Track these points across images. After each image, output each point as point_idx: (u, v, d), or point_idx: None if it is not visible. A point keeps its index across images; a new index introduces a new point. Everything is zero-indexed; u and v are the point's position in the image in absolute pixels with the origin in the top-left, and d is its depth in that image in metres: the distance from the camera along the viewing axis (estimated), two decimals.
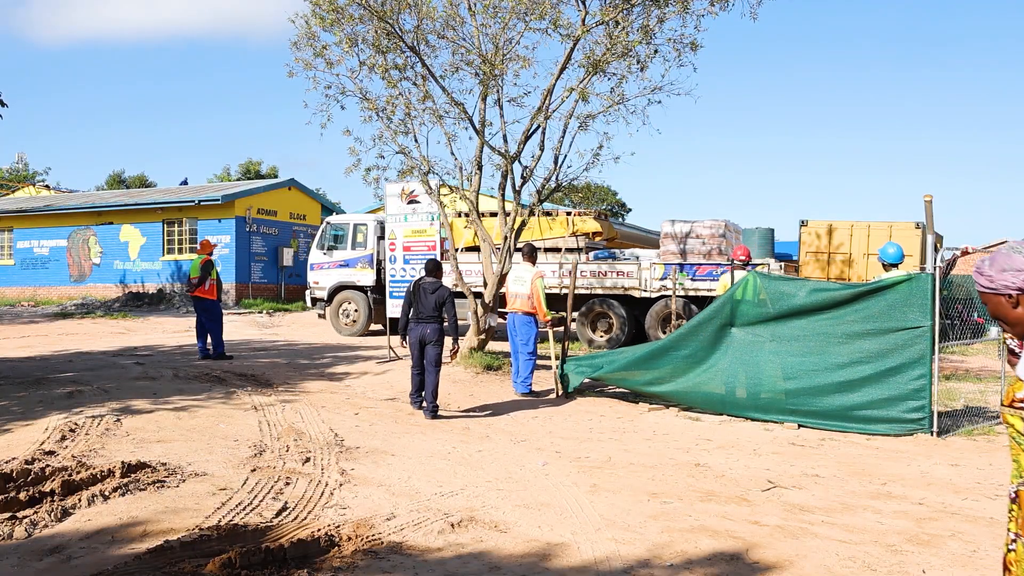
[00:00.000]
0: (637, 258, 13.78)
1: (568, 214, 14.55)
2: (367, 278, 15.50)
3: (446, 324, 7.98)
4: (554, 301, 13.85)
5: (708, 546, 4.27)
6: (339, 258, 15.90)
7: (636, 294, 13.49)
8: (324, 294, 15.96)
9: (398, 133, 10.88)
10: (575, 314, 13.77)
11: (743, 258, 11.67)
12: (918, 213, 13.34)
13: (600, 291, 13.71)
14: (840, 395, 7.36)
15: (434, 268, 8.11)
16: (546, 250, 14.35)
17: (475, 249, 14.60)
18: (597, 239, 14.61)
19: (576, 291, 13.28)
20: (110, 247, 26.17)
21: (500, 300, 11.25)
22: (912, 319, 7.14)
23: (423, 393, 7.99)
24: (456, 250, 14.23)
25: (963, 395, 9.26)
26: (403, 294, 9.76)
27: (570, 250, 14.19)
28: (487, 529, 4.48)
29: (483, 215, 13.94)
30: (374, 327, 15.78)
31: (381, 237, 15.26)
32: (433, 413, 7.84)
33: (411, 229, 11.53)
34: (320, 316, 16.13)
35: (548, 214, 14.60)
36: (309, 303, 16.92)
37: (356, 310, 15.75)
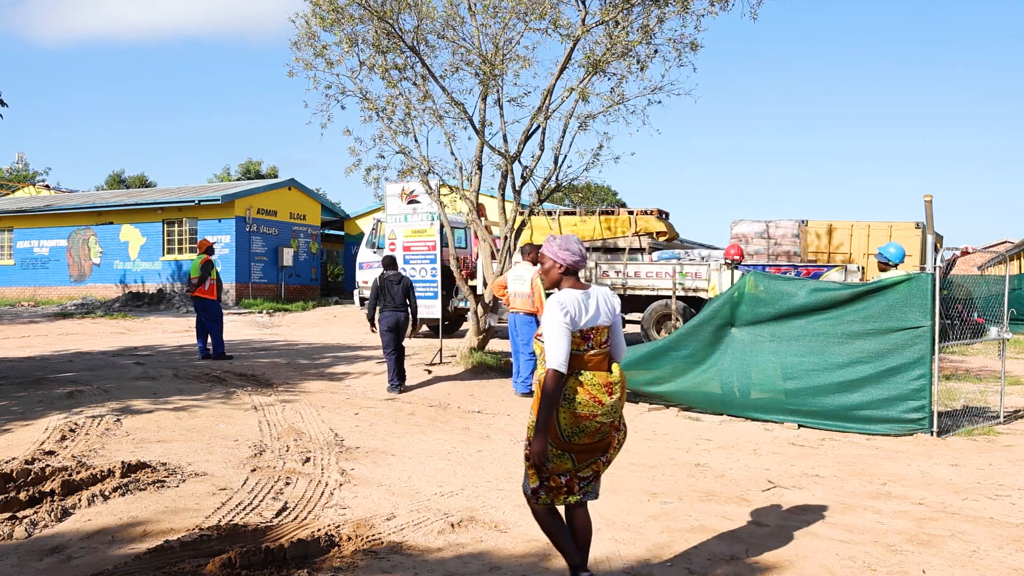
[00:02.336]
0: (703, 258, 13.27)
1: (630, 213, 14.12)
2: None
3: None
4: (627, 303, 13.47)
5: (708, 546, 4.27)
6: (377, 259, 15.45)
7: (705, 295, 12.83)
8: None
9: (398, 133, 10.88)
10: (637, 316, 13.47)
11: (736, 257, 11.66)
12: (918, 213, 13.35)
13: (666, 292, 13.11)
14: (840, 395, 7.36)
15: (390, 263, 9.51)
16: (606, 250, 14.00)
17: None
18: (661, 239, 14.18)
19: (639, 291, 13.18)
20: (110, 247, 26.17)
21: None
22: (912, 319, 7.14)
23: (403, 378, 9.26)
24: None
25: (963, 395, 9.26)
26: None
27: (633, 250, 13.82)
28: (487, 529, 4.48)
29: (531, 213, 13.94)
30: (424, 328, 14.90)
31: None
32: (398, 387, 9.21)
33: (411, 229, 11.53)
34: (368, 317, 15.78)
35: (607, 212, 14.20)
36: (357, 303, 16.61)
37: None
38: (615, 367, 3.43)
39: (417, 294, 11.44)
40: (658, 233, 14.10)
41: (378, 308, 9.28)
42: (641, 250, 13.91)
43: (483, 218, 13.64)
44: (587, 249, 13.86)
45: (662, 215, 14.49)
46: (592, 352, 3.36)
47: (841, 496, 5.27)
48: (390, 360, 9.25)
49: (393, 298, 9.17)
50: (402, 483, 5.41)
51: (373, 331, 9.45)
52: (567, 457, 3.35)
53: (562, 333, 3.25)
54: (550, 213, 14.41)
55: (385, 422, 7.54)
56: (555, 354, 3.22)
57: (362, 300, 16.15)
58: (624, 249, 13.96)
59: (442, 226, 11.30)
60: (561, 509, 3.58)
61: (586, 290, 3.42)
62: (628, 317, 14.42)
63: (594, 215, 14.35)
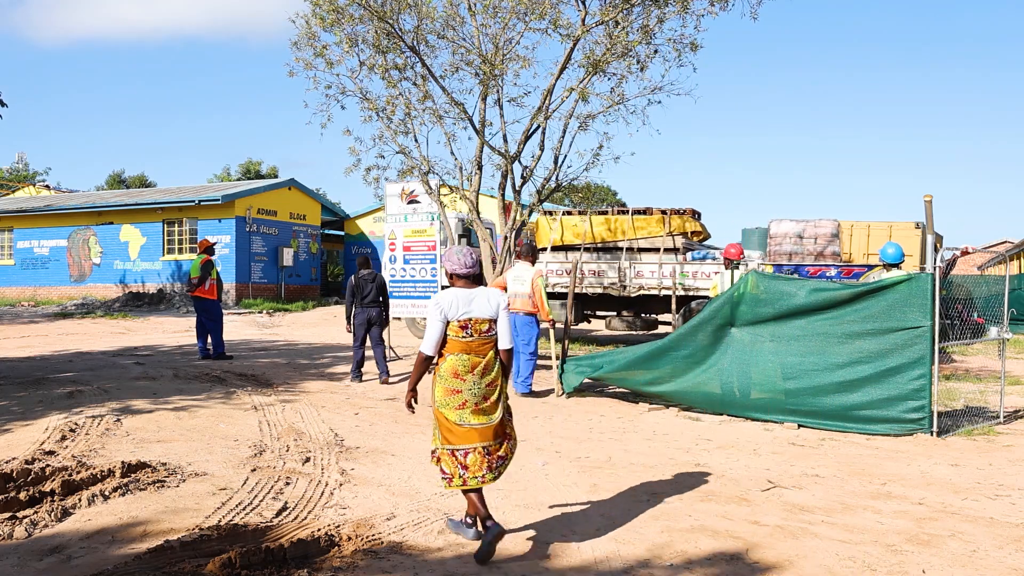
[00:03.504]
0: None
1: (663, 212, 13.84)
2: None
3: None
4: (660, 303, 13.42)
5: (708, 546, 4.27)
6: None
7: None
8: None
9: (398, 133, 10.90)
10: (671, 316, 13.28)
11: (735, 257, 11.65)
12: (918, 213, 13.34)
13: (705, 293, 12.91)
14: (840, 395, 7.36)
15: (364, 262, 10.08)
16: (640, 250, 13.82)
17: (562, 248, 14.27)
18: (696, 239, 13.98)
19: (676, 292, 13.00)
20: (110, 247, 26.18)
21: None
22: (912, 319, 7.14)
23: (362, 370, 9.94)
24: (543, 250, 14.09)
25: (963, 395, 9.26)
26: (403, 295, 11.05)
27: (668, 250, 13.57)
28: None
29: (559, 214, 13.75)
30: None
31: (462, 236, 14.89)
32: (387, 374, 9.79)
33: (411, 229, 11.53)
34: (395, 318, 14.68)
35: (640, 212, 13.98)
36: None
37: None
38: (491, 355, 4.15)
39: (417, 294, 11.48)
40: (693, 233, 13.82)
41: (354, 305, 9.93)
42: (675, 250, 13.62)
43: (508, 219, 13.59)
44: (618, 249, 13.79)
45: (695, 215, 14.19)
46: (472, 339, 4.12)
47: (841, 496, 5.27)
48: (356, 352, 9.86)
49: (365, 296, 9.77)
50: (402, 483, 5.41)
51: (349, 330, 9.99)
52: (455, 434, 4.11)
53: (433, 324, 4.10)
54: (582, 212, 14.24)
55: (385, 422, 7.54)
56: (426, 339, 4.13)
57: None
58: (658, 249, 13.68)
59: (473, 226, 11.23)
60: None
61: (470, 289, 4.15)
62: (662, 318, 14.32)
63: (626, 214, 14.04)
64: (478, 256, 4.26)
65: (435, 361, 4.19)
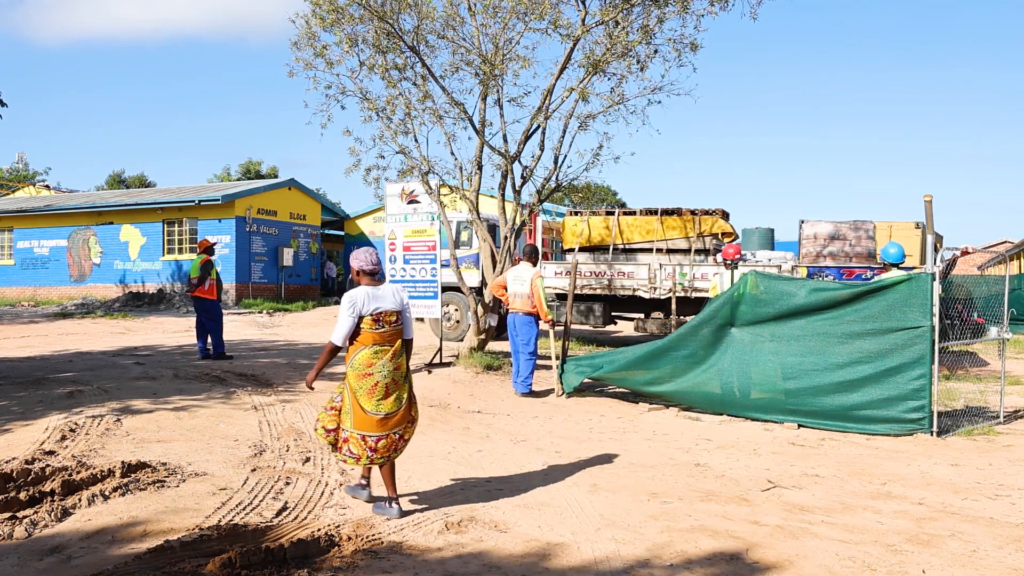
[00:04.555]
0: (770, 260, 12.79)
1: (693, 213, 13.67)
2: (472, 279, 14.10)
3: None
4: (692, 305, 13.02)
5: (708, 546, 4.27)
6: (442, 258, 15.20)
7: None
8: None
9: (398, 133, 10.89)
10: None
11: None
12: (918, 213, 13.31)
13: None
14: (840, 395, 7.36)
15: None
16: (668, 251, 13.68)
17: (589, 249, 14.13)
18: (726, 239, 13.75)
19: (704, 294, 12.84)
20: (110, 247, 26.17)
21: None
22: (912, 319, 7.14)
23: None
24: (571, 250, 13.96)
25: (963, 395, 9.26)
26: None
27: (698, 251, 13.42)
28: (487, 529, 4.48)
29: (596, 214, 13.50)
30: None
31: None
32: None
33: (411, 229, 11.53)
34: (418, 319, 14.33)
35: (669, 212, 13.79)
36: None
37: (459, 312, 14.84)
38: (398, 343, 4.71)
39: (417, 294, 11.48)
40: (724, 234, 13.65)
41: None
42: (705, 251, 13.48)
43: (532, 222, 13.54)
44: (650, 251, 13.68)
45: (724, 215, 13.96)
46: (383, 330, 4.65)
47: (841, 496, 5.27)
48: None
49: None
50: (402, 483, 5.41)
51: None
52: (346, 412, 4.63)
53: (346, 318, 4.59)
54: (609, 213, 14.11)
55: None
56: (336, 332, 4.62)
57: None
58: (688, 250, 13.51)
59: (496, 229, 11.13)
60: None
61: (377, 286, 4.69)
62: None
63: (655, 215, 13.85)
64: (380, 259, 4.83)
65: (343, 352, 4.72)
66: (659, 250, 13.76)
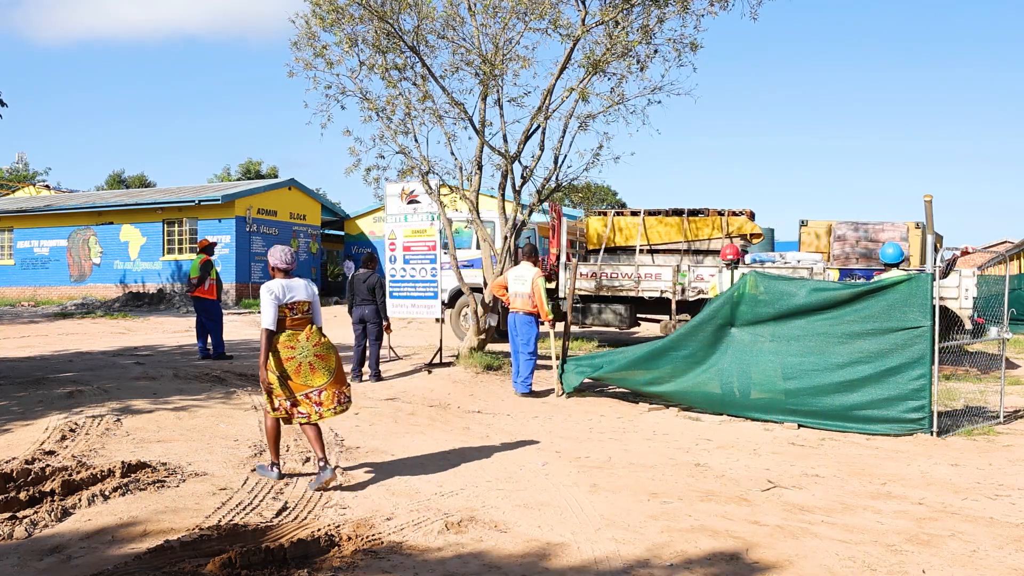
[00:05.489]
0: (799, 261, 12.38)
1: (719, 213, 13.42)
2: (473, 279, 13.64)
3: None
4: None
5: (708, 546, 4.27)
6: (463, 259, 13.94)
7: None
8: (445, 296, 13.81)
9: (398, 133, 10.88)
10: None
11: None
12: (918, 213, 13.26)
13: None
14: (840, 395, 7.36)
15: (368, 260, 10.22)
16: (696, 252, 13.54)
17: (616, 250, 13.97)
18: (755, 241, 13.57)
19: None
20: (110, 247, 26.18)
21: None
22: (912, 319, 7.14)
23: (363, 368, 10.05)
24: (595, 251, 13.82)
25: (963, 395, 9.26)
26: (403, 295, 11.66)
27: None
28: (487, 529, 4.48)
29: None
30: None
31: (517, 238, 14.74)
32: (377, 378, 9.94)
33: (411, 229, 11.53)
34: (437, 320, 13.51)
35: (695, 213, 13.56)
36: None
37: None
38: (311, 327, 5.35)
39: (417, 294, 11.48)
40: (752, 235, 13.45)
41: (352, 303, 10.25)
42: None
43: (557, 222, 13.47)
44: (676, 252, 13.51)
45: (752, 216, 13.73)
46: (296, 317, 5.31)
47: (841, 496, 5.27)
48: (356, 351, 10.05)
49: (357, 294, 10.02)
50: (402, 483, 5.41)
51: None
52: (286, 387, 5.21)
53: (269, 305, 5.17)
54: (635, 213, 13.95)
55: (385, 422, 7.54)
56: (265, 318, 5.18)
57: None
58: (717, 252, 13.18)
59: (474, 226, 11.01)
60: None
61: (290, 280, 5.34)
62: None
63: (680, 215, 13.64)
64: (295, 255, 5.47)
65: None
66: (686, 251, 13.59)
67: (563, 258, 13.31)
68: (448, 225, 11.32)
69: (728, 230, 13.28)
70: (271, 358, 5.21)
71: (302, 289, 5.38)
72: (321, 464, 5.19)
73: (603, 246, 13.88)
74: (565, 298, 13.40)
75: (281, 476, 5.46)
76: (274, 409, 5.29)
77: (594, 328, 14.47)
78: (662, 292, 12.93)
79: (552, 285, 13.73)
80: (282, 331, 5.23)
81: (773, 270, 11.87)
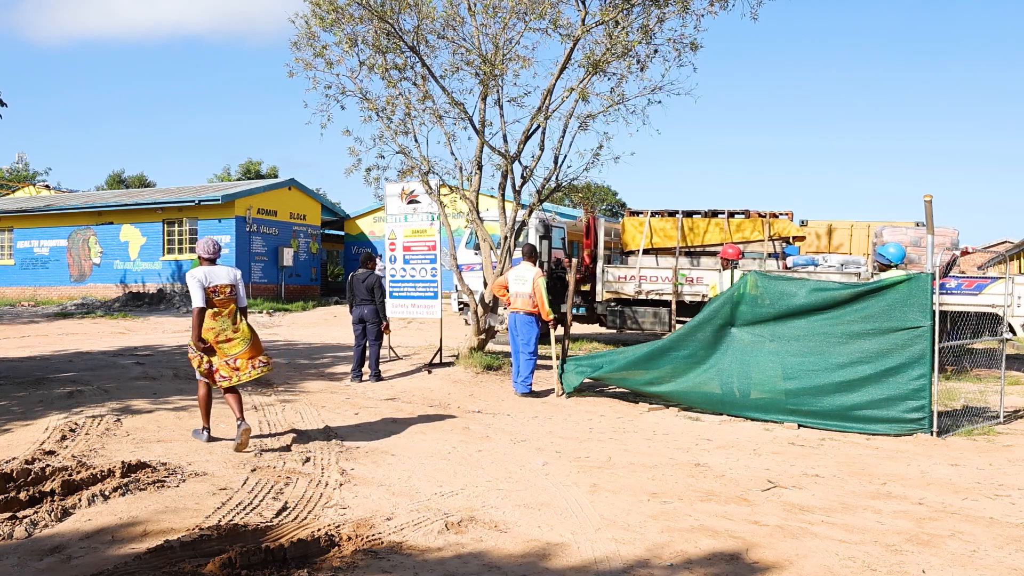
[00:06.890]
0: (842, 265, 12.09)
1: (761, 215, 13.21)
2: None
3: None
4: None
5: (708, 546, 4.27)
6: (477, 262, 14.01)
7: None
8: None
9: (398, 133, 10.88)
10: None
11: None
12: (918, 213, 13.22)
13: None
14: (840, 395, 7.36)
15: (367, 259, 10.26)
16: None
17: (652, 252, 13.70)
18: (797, 243, 13.32)
19: None
20: (110, 247, 26.17)
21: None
22: (912, 319, 7.14)
23: (363, 368, 10.07)
24: (632, 253, 13.62)
25: (963, 395, 9.25)
26: (403, 295, 11.69)
27: (770, 255, 12.95)
28: (487, 529, 4.48)
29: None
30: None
31: (544, 237, 14.36)
32: (377, 378, 9.95)
33: (411, 229, 11.53)
34: (467, 323, 13.48)
35: (732, 214, 13.37)
36: (456, 308, 15.64)
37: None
38: (231, 307, 6.21)
39: (417, 294, 11.48)
40: (795, 238, 13.23)
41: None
42: (775, 255, 12.98)
43: (591, 223, 13.37)
44: (715, 254, 13.11)
45: (792, 218, 13.51)
46: (219, 298, 6.14)
47: (841, 496, 5.27)
48: (356, 351, 10.09)
49: (356, 294, 10.06)
50: (402, 483, 5.41)
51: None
52: (211, 355, 6.13)
53: (197, 288, 6.01)
54: (672, 214, 13.78)
55: (385, 422, 7.54)
56: (195, 300, 6.01)
57: (462, 305, 15.16)
58: (760, 255, 13.03)
59: (474, 226, 10.98)
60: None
61: (214, 266, 6.23)
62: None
63: (720, 216, 13.42)
64: (219, 245, 6.39)
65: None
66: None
67: (600, 262, 13.18)
68: (449, 225, 11.32)
69: (771, 232, 13.01)
70: (199, 331, 6.06)
71: (223, 274, 6.22)
72: (239, 424, 6.05)
73: (641, 248, 13.51)
74: (599, 301, 13.35)
75: (211, 439, 6.34)
76: (202, 375, 6.18)
77: (629, 332, 14.23)
78: (704, 296, 12.49)
79: (587, 288, 13.67)
80: (210, 308, 6.07)
81: (821, 274, 11.61)
